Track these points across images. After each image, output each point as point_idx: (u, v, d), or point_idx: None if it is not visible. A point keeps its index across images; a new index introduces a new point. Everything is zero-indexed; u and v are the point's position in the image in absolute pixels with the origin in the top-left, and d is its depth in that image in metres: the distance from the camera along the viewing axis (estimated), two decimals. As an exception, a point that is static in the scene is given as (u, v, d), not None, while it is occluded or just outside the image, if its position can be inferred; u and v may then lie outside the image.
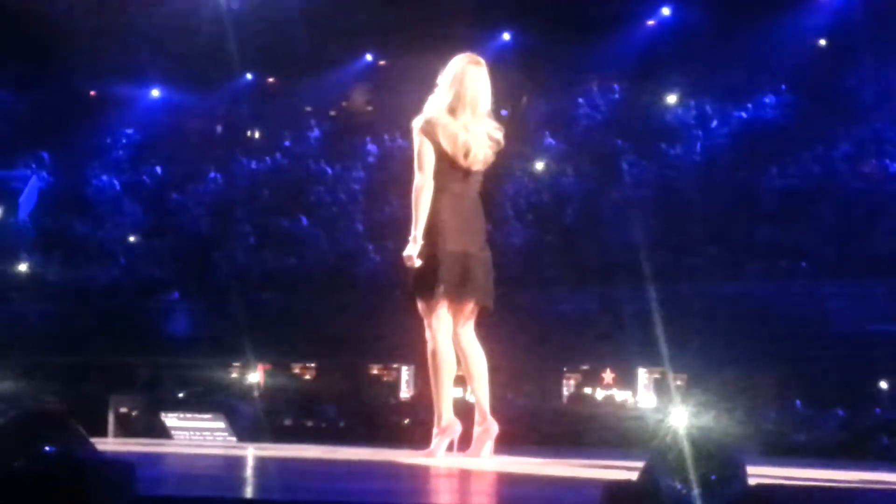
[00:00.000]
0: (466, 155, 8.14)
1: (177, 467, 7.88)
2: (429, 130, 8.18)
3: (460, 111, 8.20)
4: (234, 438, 11.16)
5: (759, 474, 6.08)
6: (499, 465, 8.16)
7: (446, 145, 8.14)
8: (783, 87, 23.37)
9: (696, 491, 4.71)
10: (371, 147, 26.00)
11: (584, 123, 24.60)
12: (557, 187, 22.40)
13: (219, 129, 28.41)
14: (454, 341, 8.25)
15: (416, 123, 8.29)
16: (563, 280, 19.01)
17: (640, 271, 16.03)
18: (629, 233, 18.92)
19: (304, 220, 23.16)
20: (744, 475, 4.85)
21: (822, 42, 23.80)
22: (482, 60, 8.49)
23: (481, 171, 8.27)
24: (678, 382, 15.65)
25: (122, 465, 4.74)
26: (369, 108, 28.32)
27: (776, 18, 23.31)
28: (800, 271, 18.67)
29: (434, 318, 8.15)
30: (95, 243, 24.03)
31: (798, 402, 15.10)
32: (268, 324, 18.16)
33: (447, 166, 8.15)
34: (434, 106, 8.31)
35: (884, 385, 15.96)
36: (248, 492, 5.70)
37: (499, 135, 8.24)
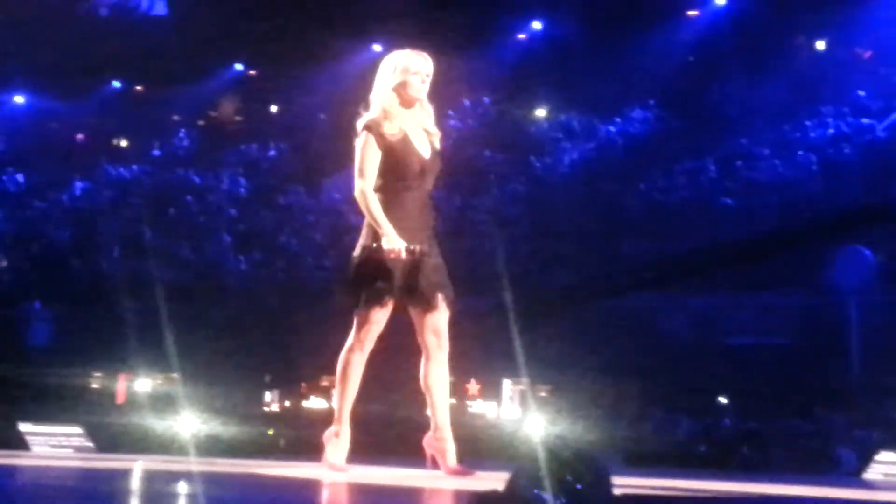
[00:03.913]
0: None
1: (35, 479, 7.70)
2: None
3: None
4: (91, 445, 10.95)
5: (623, 484, 6.09)
6: (361, 476, 8.09)
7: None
8: (651, 101, 23.62)
9: (562, 500, 4.70)
10: (240, 156, 25.84)
11: (454, 136, 24.67)
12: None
13: (85, 136, 28.00)
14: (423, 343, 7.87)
15: None
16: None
17: (506, 283, 16.02)
18: (498, 245, 18.95)
19: (171, 230, 22.90)
20: (609, 484, 4.85)
21: (690, 58, 24.09)
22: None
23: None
24: (542, 393, 15.69)
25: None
26: (238, 118, 28.17)
27: (645, 34, 23.58)
28: (665, 284, 18.86)
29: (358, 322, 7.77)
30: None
31: (658, 412, 15.27)
32: (130, 333, 17.88)
33: None
34: None
35: (740, 396, 16.20)
36: None
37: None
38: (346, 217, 22.74)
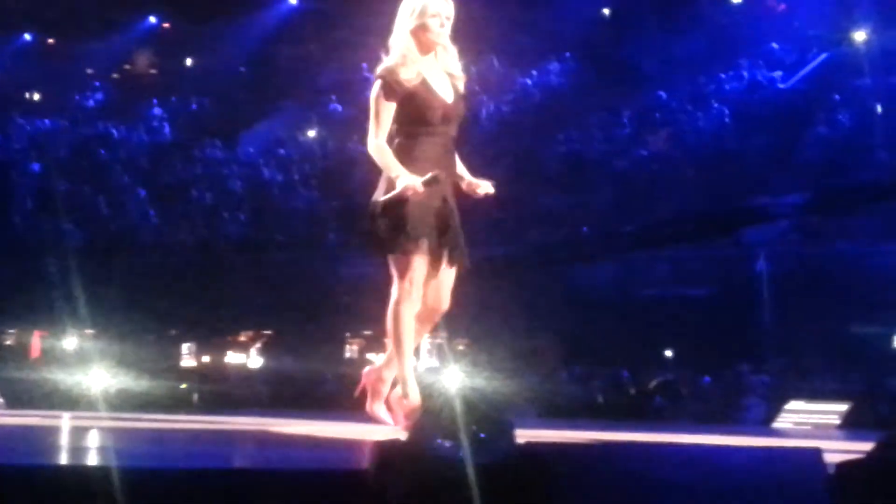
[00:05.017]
0: None
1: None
2: None
3: None
4: (1, 400, 10.89)
5: (534, 435, 6.14)
6: (275, 426, 8.11)
7: None
8: (567, 54, 23.65)
9: (464, 448, 4.72)
10: (155, 110, 25.65)
11: (362, 88, 24.56)
12: (343, 153, 22.32)
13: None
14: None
15: None
16: (346, 245, 18.96)
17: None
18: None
19: (85, 184, 22.69)
20: (511, 434, 4.88)
21: (606, 11, 24.13)
22: None
23: None
24: (460, 347, 15.74)
25: None
26: (153, 71, 27.94)
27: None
28: (582, 238, 18.93)
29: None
30: None
31: (574, 365, 15.39)
32: (46, 290, 17.74)
33: None
34: None
35: (659, 349, 16.38)
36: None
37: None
38: (261, 171, 22.70)
